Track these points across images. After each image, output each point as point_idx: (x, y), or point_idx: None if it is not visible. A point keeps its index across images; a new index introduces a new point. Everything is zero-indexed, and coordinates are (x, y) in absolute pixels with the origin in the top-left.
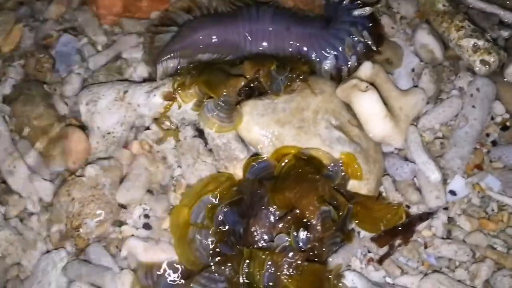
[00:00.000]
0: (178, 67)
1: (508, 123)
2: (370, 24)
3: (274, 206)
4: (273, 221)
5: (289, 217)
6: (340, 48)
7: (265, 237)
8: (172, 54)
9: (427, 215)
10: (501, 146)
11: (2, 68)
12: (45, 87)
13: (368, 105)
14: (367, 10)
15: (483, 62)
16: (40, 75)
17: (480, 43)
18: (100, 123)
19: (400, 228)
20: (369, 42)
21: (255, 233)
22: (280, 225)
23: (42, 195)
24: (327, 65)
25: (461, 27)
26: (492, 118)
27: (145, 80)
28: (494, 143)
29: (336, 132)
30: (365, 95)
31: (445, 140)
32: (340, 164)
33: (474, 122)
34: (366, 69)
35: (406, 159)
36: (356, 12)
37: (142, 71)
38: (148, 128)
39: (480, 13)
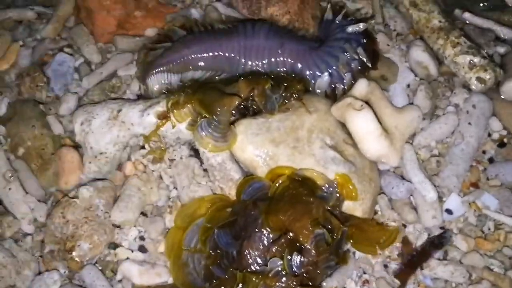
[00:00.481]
0: (168, 82)
1: (505, 140)
2: (365, 41)
3: (268, 229)
4: (266, 244)
5: (283, 240)
6: (334, 66)
7: (259, 260)
8: (160, 68)
9: (438, 240)
10: (498, 163)
11: None
12: (40, 106)
13: (363, 124)
14: (361, 26)
15: (479, 79)
16: (35, 94)
17: (476, 60)
18: (94, 143)
19: (416, 258)
20: (364, 59)
21: (249, 256)
22: (274, 249)
23: (37, 216)
24: (322, 82)
25: (457, 44)
26: (489, 135)
27: (139, 98)
28: (491, 160)
29: (331, 152)
30: (360, 114)
31: (441, 158)
32: (335, 185)
33: (470, 139)
34: (361, 86)
35: (402, 177)
36: (350, 29)
37: (135, 88)
38: (143, 147)
39: (476, 29)
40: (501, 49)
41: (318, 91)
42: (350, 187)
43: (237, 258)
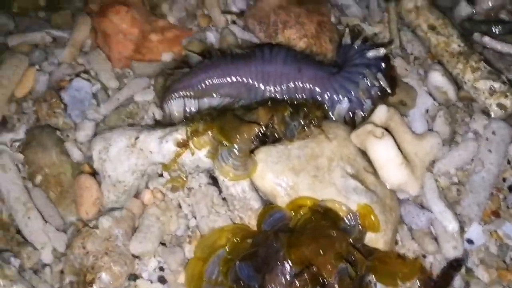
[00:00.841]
0: (186, 108)
1: None
2: (384, 66)
3: (290, 262)
4: (289, 278)
5: (305, 275)
6: (354, 92)
7: None
8: (178, 93)
9: (456, 262)
10: None
11: (15, 114)
12: (57, 133)
13: (383, 153)
14: (381, 51)
15: (499, 105)
16: (52, 121)
17: (497, 85)
18: (112, 172)
19: (439, 284)
20: (384, 85)
21: None
22: (297, 283)
23: (56, 246)
24: (341, 108)
25: (476, 69)
26: (509, 162)
27: (156, 123)
28: (511, 188)
29: (352, 181)
30: (380, 142)
31: (461, 187)
32: (357, 217)
33: (491, 167)
34: (381, 113)
35: (421, 206)
36: (370, 54)
37: (153, 114)
38: (161, 175)
39: (495, 53)
40: None
41: (337, 117)
42: (372, 218)
43: None
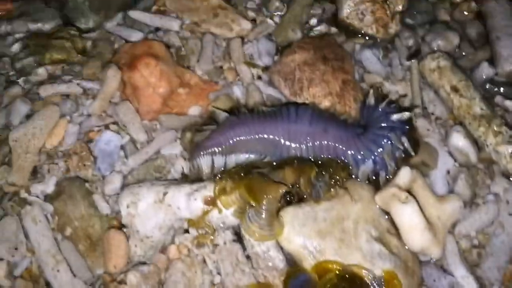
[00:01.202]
0: (214, 164)
1: None
2: (408, 129)
3: None
4: None
5: None
6: (378, 153)
7: None
8: (207, 151)
9: None
10: None
11: (46, 165)
12: (86, 185)
13: (408, 218)
14: (406, 115)
15: None
16: (81, 173)
17: None
18: (140, 227)
19: None
20: (408, 149)
21: None
22: None
23: None
24: (365, 169)
25: (498, 133)
26: None
27: (183, 177)
28: None
29: (377, 246)
30: (405, 207)
31: (482, 250)
32: (382, 283)
33: (511, 231)
34: (405, 176)
35: (443, 268)
36: (395, 117)
37: (180, 167)
38: (187, 231)
39: None
40: None
41: (361, 177)
42: (396, 283)
43: None
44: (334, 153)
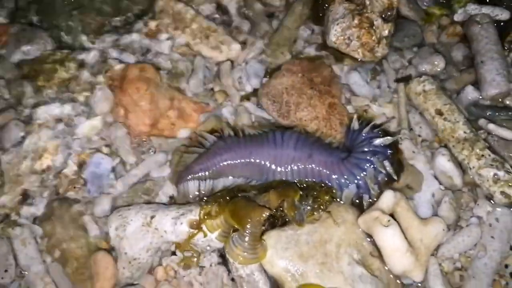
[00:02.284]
0: (201, 188)
1: None
2: (390, 153)
3: None
4: None
5: None
6: (361, 177)
7: None
8: (194, 175)
9: None
10: None
11: (37, 188)
12: (76, 207)
13: (390, 241)
14: (389, 139)
15: (503, 193)
16: (72, 195)
17: (501, 174)
18: (128, 249)
19: None
20: (390, 172)
21: None
22: None
23: None
24: (349, 193)
25: (481, 156)
26: (511, 248)
27: (171, 199)
28: None
29: (359, 269)
30: (387, 231)
31: (464, 273)
32: None
33: (493, 254)
34: (388, 199)
35: None
36: (378, 141)
37: (168, 191)
38: (174, 253)
39: (500, 140)
40: None
41: (345, 200)
42: None
43: None
44: (318, 177)
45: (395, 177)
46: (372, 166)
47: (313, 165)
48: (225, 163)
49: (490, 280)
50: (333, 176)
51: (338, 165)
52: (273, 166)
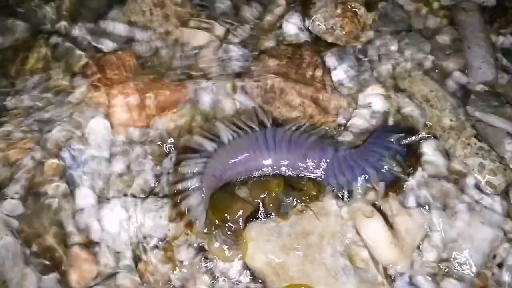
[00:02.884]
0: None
1: None
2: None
3: None
4: None
5: None
6: (360, 174)
7: None
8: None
9: None
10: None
11: (14, 181)
12: (54, 201)
13: (373, 232)
14: (404, 137)
15: (489, 183)
16: (50, 189)
17: (486, 162)
18: (109, 242)
19: None
20: (397, 171)
21: None
22: None
23: None
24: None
25: (467, 145)
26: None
27: (151, 192)
28: (500, 265)
29: (341, 260)
30: (370, 222)
31: (450, 264)
32: None
33: (480, 242)
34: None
35: (410, 281)
36: (394, 137)
37: (149, 184)
38: (156, 247)
39: (488, 126)
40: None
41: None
42: None
43: None
44: (314, 174)
45: (404, 176)
46: (375, 164)
47: (308, 165)
48: (226, 174)
49: (477, 269)
50: (329, 174)
51: (333, 162)
52: (270, 168)
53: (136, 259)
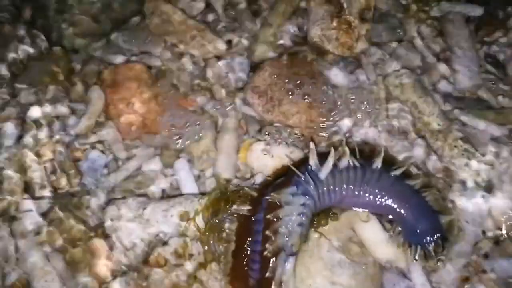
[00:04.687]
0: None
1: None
2: None
3: None
4: None
5: None
6: None
7: None
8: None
9: None
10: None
11: (37, 183)
12: (74, 200)
13: (371, 235)
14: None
15: (475, 182)
16: (69, 189)
17: (472, 163)
18: (122, 239)
19: None
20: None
21: None
22: None
23: None
24: None
25: (454, 147)
26: (484, 233)
27: (163, 192)
28: (485, 256)
29: (337, 255)
30: (367, 226)
31: (441, 256)
32: None
33: (468, 237)
34: None
35: (402, 273)
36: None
37: (159, 183)
38: (166, 243)
39: (473, 129)
40: (495, 149)
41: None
42: None
43: None
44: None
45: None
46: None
47: None
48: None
49: (466, 262)
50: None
51: None
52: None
53: (150, 252)
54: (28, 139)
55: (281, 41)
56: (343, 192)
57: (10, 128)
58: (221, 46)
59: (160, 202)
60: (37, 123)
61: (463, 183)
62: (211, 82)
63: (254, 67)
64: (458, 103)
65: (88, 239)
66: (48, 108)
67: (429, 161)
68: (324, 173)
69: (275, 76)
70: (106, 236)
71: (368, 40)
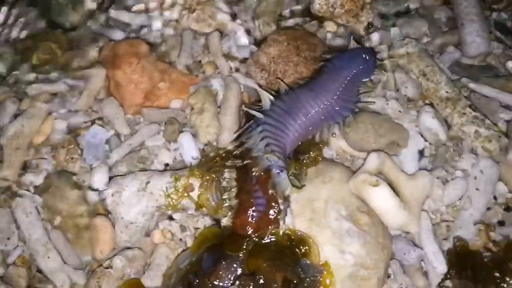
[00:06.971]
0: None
1: (510, 204)
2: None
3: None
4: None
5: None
6: None
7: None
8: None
9: None
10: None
11: (36, 160)
12: (74, 177)
13: (381, 200)
14: None
15: (484, 148)
16: (69, 166)
17: (481, 130)
18: (124, 214)
19: None
20: None
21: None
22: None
23: (76, 281)
24: None
25: (463, 114)
26: (495, 198)
27: (166, 166)
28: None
29: (346, 224)
30: (377, 191)
31: (451, 223)
32: (321, 270)
33: (478, 205)
34: (372, 161)
35: (413, 242)
36: None
37: (163, 158)
38: (170, 217)
39: (482, 97)
40: (506, 116)
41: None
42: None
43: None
44: None
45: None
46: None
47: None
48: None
49: (476, 230)
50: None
51: None
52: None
53: (153, 228)
54: (26, 117)
55: (284, 12)
56: (298, 108)
57: (8, 105)
58: (224, 19)
59: (164, 175)
60: (35, 99)
61: (474, 151)
62: (214, 55)
63: (257, 42)
64: (466, 71)
65: (90, 216)
66: (46, 86)
67: (439, 130)
68: (265, 103)
69: (278, 50)
70: (107, 212)
71: (373, 10)
